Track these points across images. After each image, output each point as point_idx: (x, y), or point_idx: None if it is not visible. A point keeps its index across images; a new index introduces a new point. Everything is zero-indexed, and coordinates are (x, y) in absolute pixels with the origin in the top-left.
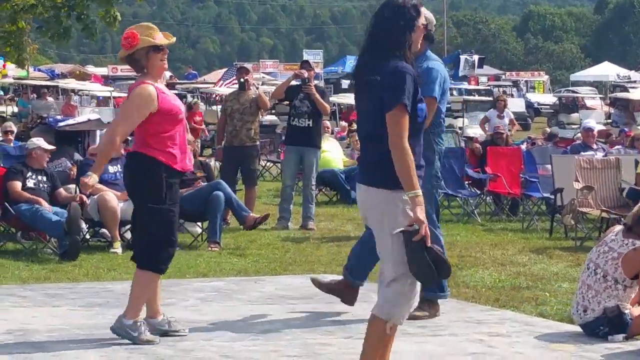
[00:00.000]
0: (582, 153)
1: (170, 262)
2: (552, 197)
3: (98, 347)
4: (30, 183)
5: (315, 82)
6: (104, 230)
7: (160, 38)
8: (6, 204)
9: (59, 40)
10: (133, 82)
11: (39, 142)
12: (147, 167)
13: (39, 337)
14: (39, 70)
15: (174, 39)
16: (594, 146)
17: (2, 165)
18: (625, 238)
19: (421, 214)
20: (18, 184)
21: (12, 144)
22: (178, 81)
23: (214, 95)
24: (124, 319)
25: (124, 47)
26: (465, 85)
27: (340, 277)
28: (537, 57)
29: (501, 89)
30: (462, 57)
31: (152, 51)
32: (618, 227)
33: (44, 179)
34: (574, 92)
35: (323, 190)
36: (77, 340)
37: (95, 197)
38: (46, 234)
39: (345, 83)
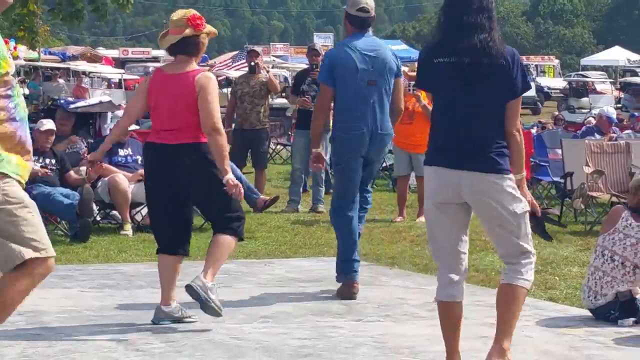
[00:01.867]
0: (597, 136)
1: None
2: (562, 181)
3: (109, 328)
4: (37, 166)
5: None
6: (114, 212)
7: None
8: None
9: (71, 22)
10: (143, 64)
11: (42, 125)
12: (208, 156)
13: (50, 318)
14: (50, 52)
15: (217, 33)
16: (609, 133)
17: None
18: (638, 222)
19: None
20: None
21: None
22: None
23: (223, 78)
24: (206, 280)
25: (196, 27)
26: None
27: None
28: (547, 42)
29: None
30: None
31: (207, 39)
32: (621, 212)
33: (52, 161)
34: (584, 76)
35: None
36: (87, 321)
37: (106, 179)
38: (58, 217)
39: None
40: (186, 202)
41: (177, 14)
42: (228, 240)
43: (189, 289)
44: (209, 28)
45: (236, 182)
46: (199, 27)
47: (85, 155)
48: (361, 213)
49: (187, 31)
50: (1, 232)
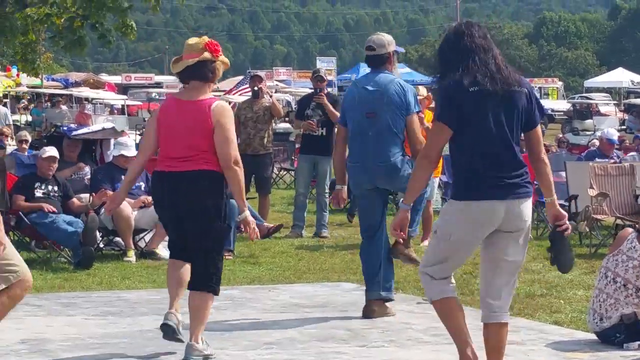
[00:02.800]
0: (598, 160)
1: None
2: (567, 203)
3: (112, 356)
4: (39, 193)
5: (328, 89)
6: (117, 238)
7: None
8: (20, 214)
9: (73, 49)
10: (146, 90)
11: (45, 152)
12: (221, 186)
13: (53, 346)
14: (53, 79)
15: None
16: (611, 155)
17: (16, 174)
18: None
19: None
20: (20, 197)
21: (26, 153)
22: None
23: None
24: (197, 344)
25: (215, 52)
26: None
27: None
28: (550, 64)
29: None
30: None
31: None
32: (629, 234)
33: (55, 187)
34: (588, 98)
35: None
36: (91, 349)
37: None
38: (61, 244)
39: None
40: (201, 232)
41: (194, 39)
42: (207, 299)
43: None
44: (223, 57)
45: (252, 220)
46: (217, 53)
47: (88, 181)
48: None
49: (206, 54)
50: None
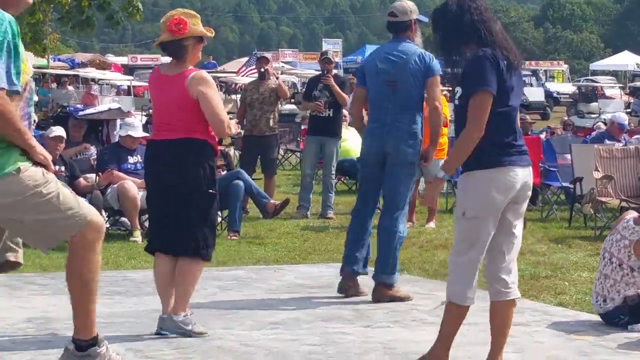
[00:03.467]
0: (607, 142)
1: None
2: (572, 186)
3: (119, 336)
4: None
5: (335, 71)
6: (123, 218)
7: (204, 29)
8: None
9: (81, 30)
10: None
11: (52, 131)
12: (205, 153)
13: (59, 325)
14: (59, 59)
15: (213, 34)
16: (619, 139)
17: None
18: (636, 225)
19: None
20: None
21: (32, 133)
22: None
23: (233, 85)
24: (175, 316)
25: (174, 33)
26: None
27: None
28: (556, 47)
29: None
30: None
31: (198, 42)
32: (629, 214)
33: (62, 168)
34: (593, 81)
35: (342, 179)
36: (97, 328)
37: (115, 185)
38: None
39: None
40: (183, 202)
41: (166, 16)
42: (193, 266)
43: (162, 332)
44: (194, 30)
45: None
46: (175, 33)
47: (94, 162)
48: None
49: (164, 36)
50: (41, 213)
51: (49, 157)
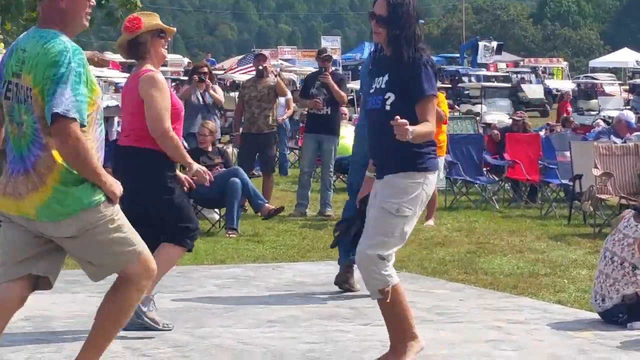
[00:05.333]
0: (614, 138)
1: (194, 241)
2: (571, 183)
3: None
4: None
5: (333, 68)
6: None
7: (163, 24)
8: None
9: None
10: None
11: None
12: (155, 164)
13: (57, 323)
14: None
15: (174, 29)
16: (625, 137)
17: None
18: (638, 222)
19: None
20: None
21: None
22: None
23: (230, 82)
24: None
25: (127, 30)
26: (483, 72)
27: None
28: (554, 44)
29: (519, 75)
30: (481, 44)
31: (157, 36)
32: (628, 213)
33: None
34: (592, 78)
35: (341, 177)
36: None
37: None
38: None
39: None
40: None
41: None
42: (170, 250)
43: None
44: (148, 25)
45: (201, 168)
46: (128, 31)
47: None
48: None
49: (120, 38)
50: (105, 246)
51: (119, 193)
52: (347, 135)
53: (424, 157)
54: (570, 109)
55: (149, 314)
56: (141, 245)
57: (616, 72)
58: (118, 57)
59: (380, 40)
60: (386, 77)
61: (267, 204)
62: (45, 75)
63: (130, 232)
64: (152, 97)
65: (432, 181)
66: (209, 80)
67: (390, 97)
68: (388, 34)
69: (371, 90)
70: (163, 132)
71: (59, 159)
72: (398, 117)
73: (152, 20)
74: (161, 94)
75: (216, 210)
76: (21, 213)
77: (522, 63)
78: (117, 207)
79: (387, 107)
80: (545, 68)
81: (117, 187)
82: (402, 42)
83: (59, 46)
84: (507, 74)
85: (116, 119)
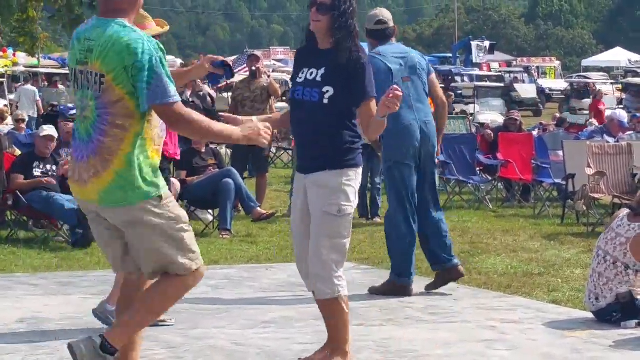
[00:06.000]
0: (607, 137)
1: None
2: (564, 183)
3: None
4: (37, 172)
5: None
6: None
7: (153, 27)
8: (17, 193)
9: (72, 29)
10: None
11: (42, 130)
12: None
13: (51, 325)
14: (50, 58)
15: (168, 27)
16: (617, 136)
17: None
18: (631, 222)
19: None
20: (19, 177)
21: (23, 132)
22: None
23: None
24: (107, 305)
25: None
26: (476, 72)
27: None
28: (547, 43)
29: (512, 75)
30: (474, 43)
31: None
32: (623, 212)
33: (53, 167)
34: (585, 77)
35: None
36: (89, 328)
37: None
38: (59, 220)
39: None
40: None
41: None
42: None
43: (95, 314)
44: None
45: None
46: None
47: None
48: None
49: None
50: (163, 244)
51: (258, 136)
52: None
53: (355, 152)
54: (602, 107)
55: None
56: (200, 258)
57: (608, 71)
58: None
59: (320, 28)
60: (322, 70)
61: (258, 208)
62: (126, 63)
63: (195, 243)
64: None
65: (360, 175)
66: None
67: (329, 91)
68: (329, 22)
69: (299, 80)
70: None
71: (121, 145)
72: (395, 86)
73: (142, 20)
74: None
75: (210, 211)
76: (87, 199)
77: (514, 63)
78: (174, 204)
79: (325, 101)
80: (538, 67)
81: (252, 132)
82: (344, 32)
83: (133, 34)
84: (500, 74)
85: None
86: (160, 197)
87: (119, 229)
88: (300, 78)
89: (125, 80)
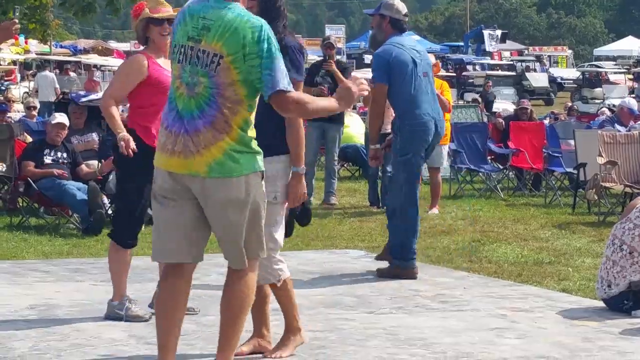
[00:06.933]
0: (618, 126)
1: (136, 239)
2: (575, 172)
3: (120, 322)
4: (48, 159)
5: (337, 57)
6: None
7: (165, 11)
8: (29, 179)
9: (83, 16)
10: None
11: (54, 118)
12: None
13: (61, 312)
14: (62, 46)
15: (170, 13)
16: (628, 125)
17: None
18: None
19: None
20: (30, 164)
21: (35, 120)
22: None
23: None
24: (111, 302)
25: (134, 17)
26: (488, 60)
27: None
28: (559, 32)
29: (524, 64)
30: (486, 32)
31: (151, 24)
32: None
33: (64, 155)
34: (597, 66)
35: (345, 165)
36: (99, 315)
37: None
38: (70, 210)
39: (367, 58)
40: None
41: None
42: (111, 250)
43: (108, 318)
44: (145, 13)
45: (127, 137)
46: (133, 17)
47: (96, 148)
48: None
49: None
50: (256, 225)
51: (350, 97)
52: (351, 124)
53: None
54: None
55: (130, 313)
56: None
57: (616, 60)
58: (122, 46)
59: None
60: None
61: None
62: (248, 49)
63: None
64: (115, 73)
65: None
66: None
67: None
68: (259, 5)
69: None
70: (103, 104)
71: (234, 119)
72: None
73: (152, 8)
74: (121, 71)
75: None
76: (190, 171)
77: (526, 51)
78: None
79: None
80: (549, 56)
81: (348, 95)
82: (273, 15)
83: (255, 21)
84: (512, 63)
85: (120, 108)
86: (262, 174)
87: (202, 214)
88: None
89: (242, 66)
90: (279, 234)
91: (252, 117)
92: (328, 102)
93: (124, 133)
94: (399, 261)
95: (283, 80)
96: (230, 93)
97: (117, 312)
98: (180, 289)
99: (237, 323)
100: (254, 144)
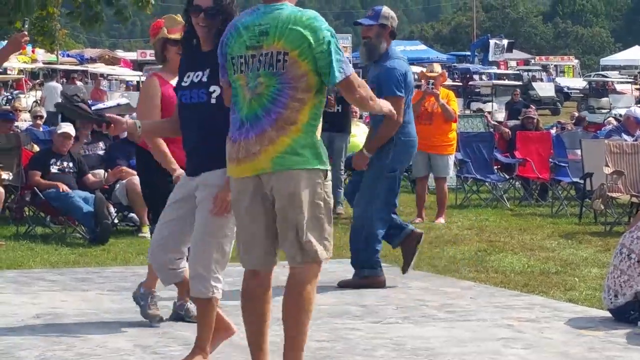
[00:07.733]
0: (625, 136)
1: None
2: (582, 181)
3: (126, 331)
4: (54, 169)
5: None
6: (132, 214)
7: (167, 31)
8: (35, 189)
9: (90, 25)
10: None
11: (60, 128)
12: (137, 157)
13: (68, 321)
14: (68, 55)
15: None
16: (635, 134)
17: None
18: None
19: None
20: (37, 173)
21: (41, 129)
22: None
23: None
24: (142, 287)
25: (151, 36)
26: (494, 70)
27: None
28: (566, 42)
29: (530, 74)
30: (492, 42)
31: (169, 44)
32: None
33: (70, 164)
34: (604, 76)
35: (351, 174)
36: (105, 324)
37: (124, 181)
38: (76, 221)
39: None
40: None
41: None
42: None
43: (133, 297)
44: (162, 32)
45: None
46: (151, 35)
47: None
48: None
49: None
50: (314, 224)
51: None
52: (358, 134)
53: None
54: None
55: (146, 309)
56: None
57: (620, 70)
58: (129, 55)
59: (205, 33)
60: (207, 72)
61: None
62: (311, 39)
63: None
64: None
65: None
66: None
67: (216, 90)
68: (215, 26)
69: (185, 84)
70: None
71: (299, 116)
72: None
73: (169, 27)
74: (142, 98)
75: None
76: (257, 171)
77: (533, 61)
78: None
79: (213, 101)
80: (556, 66)
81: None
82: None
83: (309, 12)
84: (518, 72)
85: (127, 117)
86: (326, 173)
87: (274, 222)
88: (186, 82)
89: (309, 56)
90: (228, 248)
91: (319, 112)
92: (383, 102)
93: (179, 172)
94: (367, 270)
95: (349, 66)
96: (302, 84)
97: (139, 300)
98: (255, 294)
99: (299, 324)
100: (320, 142)
